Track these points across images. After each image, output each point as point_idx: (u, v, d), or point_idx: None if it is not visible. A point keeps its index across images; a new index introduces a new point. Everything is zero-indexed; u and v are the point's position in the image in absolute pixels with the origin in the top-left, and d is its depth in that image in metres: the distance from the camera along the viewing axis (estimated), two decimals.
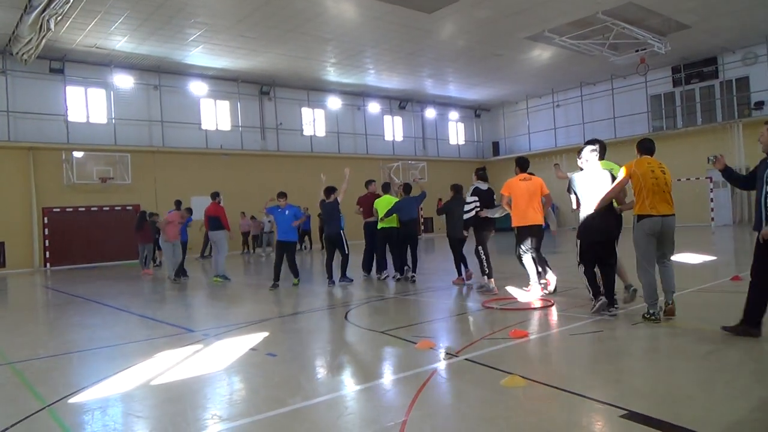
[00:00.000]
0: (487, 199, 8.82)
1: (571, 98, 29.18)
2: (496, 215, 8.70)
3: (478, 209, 8.65)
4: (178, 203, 13.63)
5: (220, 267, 12.14)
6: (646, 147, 5.88)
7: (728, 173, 5.26)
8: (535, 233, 7.76)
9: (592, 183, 6.12)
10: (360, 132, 28.21)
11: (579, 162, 6.37)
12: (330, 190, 10.57)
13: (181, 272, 12.86)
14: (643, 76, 24.20)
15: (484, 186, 8.91)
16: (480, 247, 8.62)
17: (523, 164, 8.08)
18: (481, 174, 9.09)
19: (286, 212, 10.52)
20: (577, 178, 6.26)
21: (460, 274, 9.69)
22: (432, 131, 31.35)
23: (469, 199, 8.90)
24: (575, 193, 6.28)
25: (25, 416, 3.78)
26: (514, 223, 7.79)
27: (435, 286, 9.64)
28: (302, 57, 21.21)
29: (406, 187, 10.84)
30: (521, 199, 7.69)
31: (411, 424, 3.27)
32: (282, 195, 10.63)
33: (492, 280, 8.46)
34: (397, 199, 10.69)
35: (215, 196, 12.46)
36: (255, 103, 24.82)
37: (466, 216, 8.85)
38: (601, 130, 27.63)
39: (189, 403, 3.98)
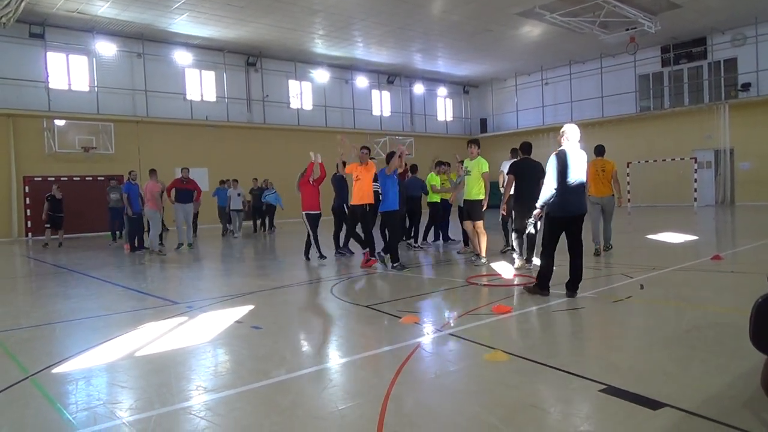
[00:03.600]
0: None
1: (559, 76, 29.09)
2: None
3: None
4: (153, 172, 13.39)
5: (190, 235, 13.64)
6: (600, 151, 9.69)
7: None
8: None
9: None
10: (347, 106, 27.95)
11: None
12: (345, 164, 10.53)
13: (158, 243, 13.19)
14: (632, 55, 24.18)
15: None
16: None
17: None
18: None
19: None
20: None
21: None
22: (420, 107, 31.15)
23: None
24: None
25: (7, 386, 3.76)
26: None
27: (419, 263, 9.69)
28: (290, 28, 20.84)
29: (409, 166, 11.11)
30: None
31: (394, 397, 3.31)
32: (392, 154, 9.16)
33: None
34: None
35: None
36: (241, 74, 24.43)
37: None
38: (588, 109, 27.72)
39: (174, 374, 3.99)
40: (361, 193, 9.21)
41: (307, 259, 10.16)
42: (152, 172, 12.99)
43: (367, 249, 9.24)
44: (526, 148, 8.24)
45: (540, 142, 24.40)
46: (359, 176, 9.23)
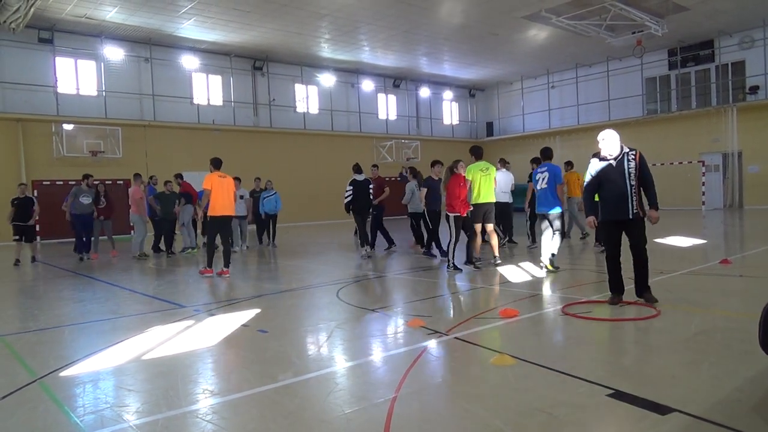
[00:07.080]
0: (361, 188, 10.78)
1: (566, 79, 29.02)
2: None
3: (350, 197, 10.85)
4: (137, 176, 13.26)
5: (192, 239, 13.64)
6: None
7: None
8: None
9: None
10: (353, 110, 27.98)
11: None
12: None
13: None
14: (639, 59, 24.09)
15: (360, 177, 10.84)
16: (357, 226, 11.07)
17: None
18: (356, 168, 11.13)
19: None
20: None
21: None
22: (426, 110, 31.15)
23: (347, 188, 10.95)
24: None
25: (15, 389, 3.79)
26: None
27: (427, 265, 9.68)
28: (296, 32, 20.92)
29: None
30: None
31: (401, 401, 3.30)
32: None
33: (366, 247, 10.82)
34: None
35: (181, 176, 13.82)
36: (248, 78, 24.52)
37: (344, 201, 10.99)
38: (595, 112, 27.63)
39: (180, 377, 4.00)
40: (224, 203, 9.11)
41: (458, 269, 8.71)
42: (136, 176, 13.11)
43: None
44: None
45: (546, 145, 24.30)
46: (223, 187, 9.13)
